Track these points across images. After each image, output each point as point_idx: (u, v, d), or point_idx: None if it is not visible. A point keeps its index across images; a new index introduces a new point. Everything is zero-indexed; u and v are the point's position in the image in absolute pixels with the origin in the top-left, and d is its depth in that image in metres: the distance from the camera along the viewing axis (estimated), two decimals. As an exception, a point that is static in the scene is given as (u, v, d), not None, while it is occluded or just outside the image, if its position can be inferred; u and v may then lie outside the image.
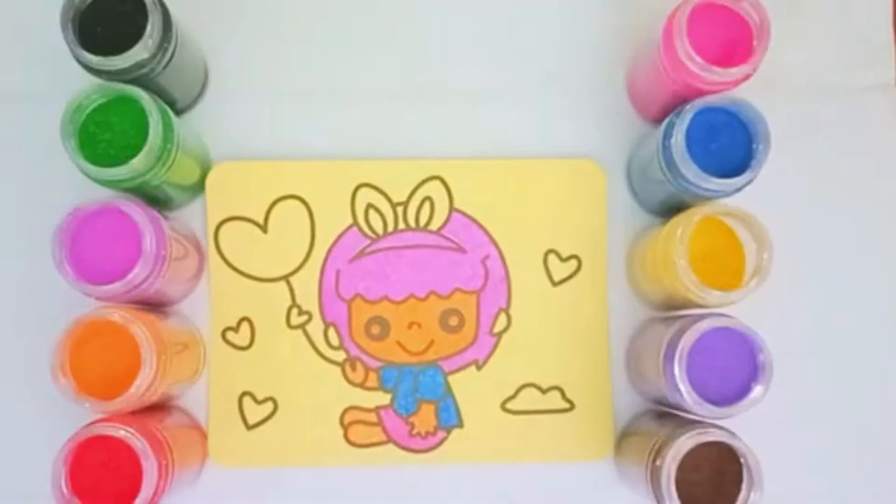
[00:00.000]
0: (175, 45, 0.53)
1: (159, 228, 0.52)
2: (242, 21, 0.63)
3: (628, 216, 0.62)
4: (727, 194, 0.54)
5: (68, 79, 0.53)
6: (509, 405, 0.61)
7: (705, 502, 0.51)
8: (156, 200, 0.57)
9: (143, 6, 0.51)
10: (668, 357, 0.52)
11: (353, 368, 0.60)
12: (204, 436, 0.60)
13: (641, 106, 0.62)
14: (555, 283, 0.61)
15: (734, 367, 0.52)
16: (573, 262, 0.62)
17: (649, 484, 0.53)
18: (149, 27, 0.51)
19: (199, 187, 0.61)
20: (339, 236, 0.61)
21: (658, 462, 0.52)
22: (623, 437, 0.60)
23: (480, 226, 0.61)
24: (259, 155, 0.62)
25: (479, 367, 0.61)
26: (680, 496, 0.50)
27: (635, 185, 0.62)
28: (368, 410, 0.60)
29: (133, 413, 0.53)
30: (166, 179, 0.54)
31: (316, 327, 0.61)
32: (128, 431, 0.50)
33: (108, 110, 0.52)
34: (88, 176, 0.52)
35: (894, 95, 0.63)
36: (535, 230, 0.62)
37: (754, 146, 0.53)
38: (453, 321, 0.61)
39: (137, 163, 0.51)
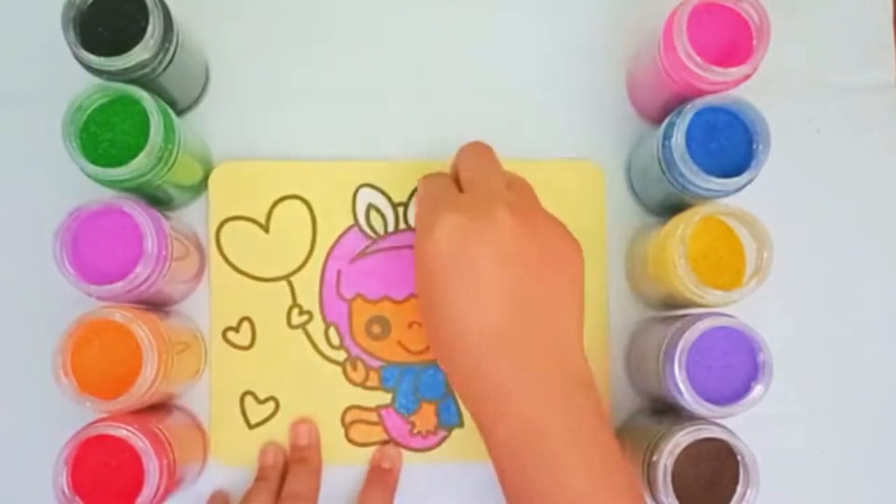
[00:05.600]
0: (176, 46, 0.53)
1: (160, 228, 0.52)
2: (243, 21, 0.63)
3: (628, 216, 0.62)
4: (727, 194, 0.54)
5: (69, 79, 0.53)
6: (510, 405, 0.61)
7: (701, 499, 0.51)
8: (157, 200, 0.57)
9: (145, 6, 0.51)
10: (668, 357, 0.52)
11: (354, 368, 0.61)
12: (205, 435, 0.60)
13: (641, 106, 0.62)
14: (555, 283, 0.61)
15: (734, 366, 0.52)
16: (573, 262, 0.62)
17: (646, 480, 0.53)
18: (150, 27, 0.51)
19: (200, 187, 0.61)
20: (340, 236, 0.61)
21: (655, 457, 0.52)
22: (620, 433, 0.60)
23: (481, 225, 0.61)
24: (260, 155, 0.62)
25: (479, 367, 0.61)
26: (676, 492, 0.51)
27: (635, 184, 0.62)
28: (369, 410, 0.60)
29: (134, 412, 0.53)
30: (167, 179, 0.54)
31: (317, 327, 0.61)
32: (129, 431, 0.50)
33: (110, 110, 0.52)
34: (90, 176, 0.52)
35: (894, 95, 0.63)
36: (536, 230, 0.62)
37: (754, 146, 0.53)
38: (454, 321, 0.61)
39: (138, 163, 0.51)
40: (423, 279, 0.49)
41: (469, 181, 0.52)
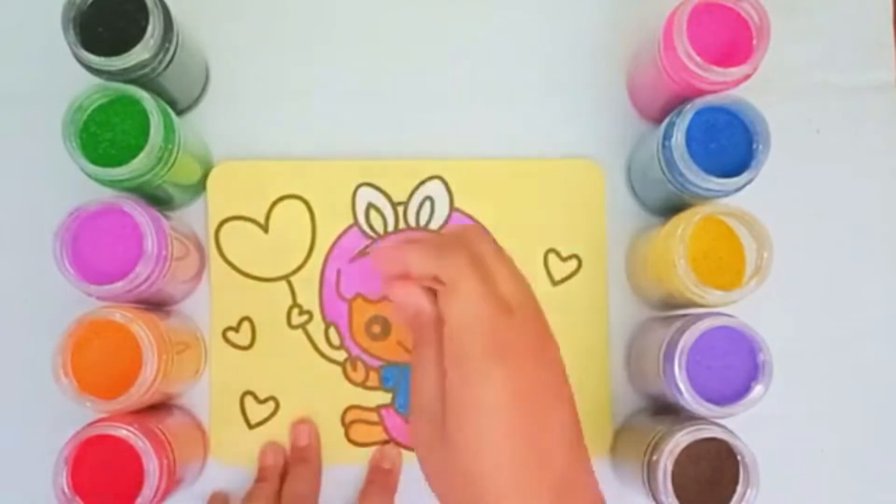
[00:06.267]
0: (176, 46, 0.53)
1: (160, 228, 0.52)
2: (243, 21, 0.63)
3: (628, 216, 0.62)
4: (727, 194, 0.54)
5: (69, 79, 0.53)
6: (510, 404, 0.61)
7: (701, 499, 0.51)
8: (157, 200, 0.57)
9: (144, 6, 0.51)
10: (668, 356, 0.52)
11: (354, 368, 0.61)
12: (205, 435, 0.60)
13: (641, 106, 0.62)
14: (555, 283, 0.61)
15: (734, 366, 0.52)
16: (573, 262, 0.62)
17: (646, 479, 0.53)
18: (150, 27, 0.51)
19: (200, 187, 0.61)
20: (340, 236, 0.61)
21: (655, 457, 0.52)
22: (620, 433, 0.60)
23: (481, 225, 0.61)
24: (260, 154, 0.62)
25: (479, 367, 0.61)
26: (676, 492, 0.51)
27: (635, 184, 0.62)
28: (369, 409, 0.60)
29: (134, 412, 0.53)
30: (167, 179, 0.54)
31: (317, 327, 0.61)
32: (129, 431, 0.50)
33: (110, 110, 0.52)
34: (90, 176, 0.52)
35: (894, 95, 0.63)
36: (535, 230, 0.62)
37: (754, 146, 0.53)
38: (454, 321, 0.61)
39: (138, 163, 0.51)
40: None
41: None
